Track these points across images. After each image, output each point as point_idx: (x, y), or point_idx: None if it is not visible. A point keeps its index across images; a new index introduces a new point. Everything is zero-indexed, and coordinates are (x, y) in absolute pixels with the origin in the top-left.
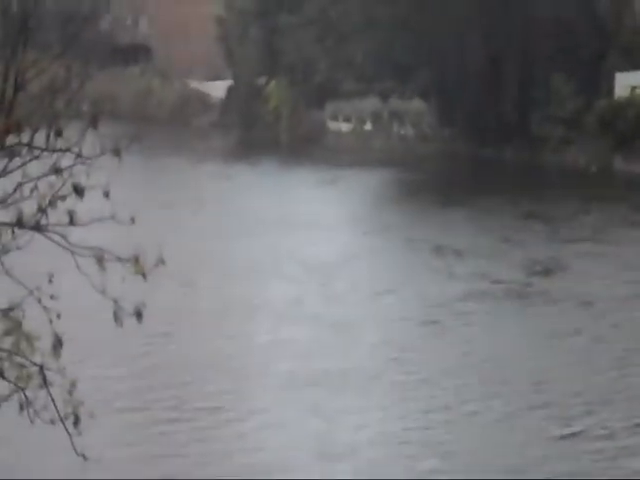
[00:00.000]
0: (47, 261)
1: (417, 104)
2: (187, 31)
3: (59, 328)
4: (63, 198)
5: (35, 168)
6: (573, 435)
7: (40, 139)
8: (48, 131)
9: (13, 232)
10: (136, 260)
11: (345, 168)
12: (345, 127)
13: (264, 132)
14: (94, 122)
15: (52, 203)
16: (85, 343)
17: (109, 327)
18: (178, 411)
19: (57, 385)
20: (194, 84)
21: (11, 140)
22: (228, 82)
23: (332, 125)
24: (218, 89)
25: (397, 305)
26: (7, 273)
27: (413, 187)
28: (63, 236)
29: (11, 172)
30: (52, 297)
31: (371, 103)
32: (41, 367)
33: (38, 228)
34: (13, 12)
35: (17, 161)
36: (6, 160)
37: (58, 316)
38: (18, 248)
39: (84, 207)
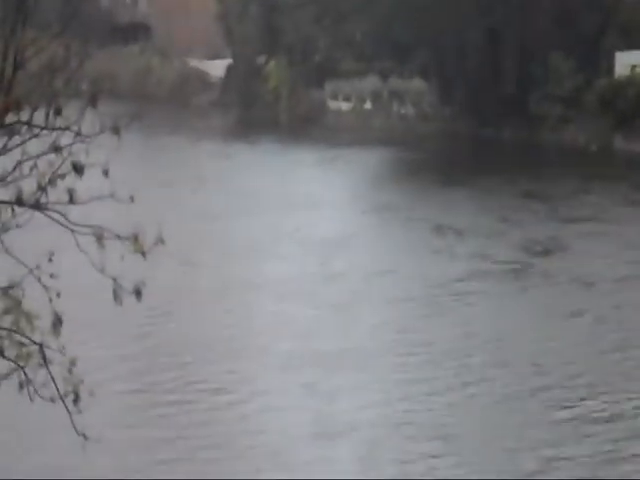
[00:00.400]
0: (47, 239)
1: (417, 83)
2: (187, 9)
3: (59, 307)
4: (62, 176)
5: (34, 146)
6: (573, 418)
7: (39, 117)
8: (47, 109)
9: (13, 210)
10: (135, 238)
11: (345, 147)
12: (345, 106)
13: (263, 111)
14: (93, 101)
15: (52, 181)
16: (85, 322)
17: (109, 305)
18: (179, 393)
19: (57, 363)
20: (193, 63)
21: (10, 118)
22: (228, 61)
23: (332, 104)
24: (217, 68)
25: (397, 285)
26: (7, 251)
27: (413, 166)
28: (63, 214)
29: (10, 150)
30: (52, 276)
31: (371, 82)
32: (41, 345)
33: (38, 206)
34: None
35: (16, 139)
36: (5, 138)
37: (58, 295)
38: (18, 226)
39: (84, 185)
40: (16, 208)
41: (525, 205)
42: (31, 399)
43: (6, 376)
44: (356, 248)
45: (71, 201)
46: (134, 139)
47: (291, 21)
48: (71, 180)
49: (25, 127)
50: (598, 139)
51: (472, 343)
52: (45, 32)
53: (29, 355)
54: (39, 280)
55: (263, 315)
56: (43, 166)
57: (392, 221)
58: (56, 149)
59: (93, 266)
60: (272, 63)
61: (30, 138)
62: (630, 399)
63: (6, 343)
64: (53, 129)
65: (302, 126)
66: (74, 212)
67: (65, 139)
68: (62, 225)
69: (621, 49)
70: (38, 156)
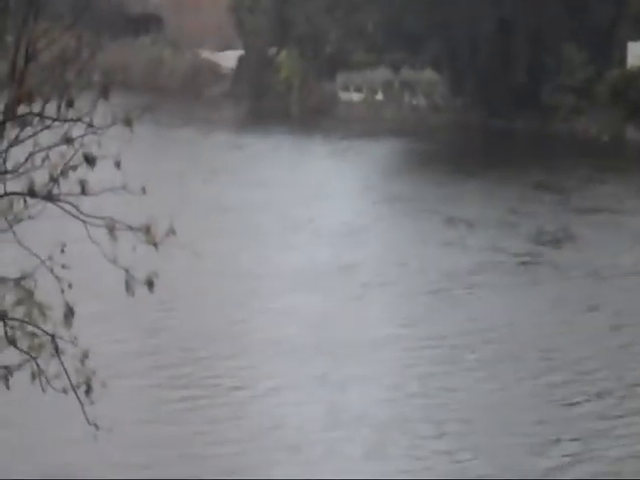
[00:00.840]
0: (59, 230)
1: (428, 74)
2: (198, 1)
3: (71, 298)
4: (74, 168)
5: (46, 138)
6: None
7: (51, 109)
8: (59, 101)
9: (25, 201)
10: (147, 230)
11: (356, 138)
12: (356, 97)
13: (275, 102)
14: (105, 92)
15: (64, 173)
16: (96, 314)
17: (121, 297)
18: (192, 388)
19: (69, 355)
20: (205, 54)
21: (22, 110)
22: (239, 52)
23: (343, 95)
24: (229, 59)
25: (409, 277)
26: (19, 242)
27: (424, 157)
28: (75, 206)
29: (23, 142)
30: (64, 267)
31: (382, 73)
32: (53, 336)
33: (50, 198)
34: None
35: (28, 131)
36: (18, 130)
37: (70, 286)
38: (30, 217)
39: (95, 177)
40: (28, 199)
41: (537, 196)
42: (43, 390)
43: (19, 367)
44: (368, 239)
45: (83, 192)
46: (146, 130)
47: (302, 12)
48: (83, 171)
49: (37, 119)
50: (610, 130)
51: (483, 336)
52: (57, 24)
53: (41, 346)
54: (51, 271)
55: (276, 307)
56: (55, 157)
57: (403, 212)
58: (68, 141)
59: (105, 257)
60: (283, 54)
61: (42, 129)
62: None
63: (18, 334)
64: (65, 120)
65: (313, 117)
66: (86, 204)
67: (77, 130)
68: (74, 216)
69: (634, 39)
70: (50, 147)
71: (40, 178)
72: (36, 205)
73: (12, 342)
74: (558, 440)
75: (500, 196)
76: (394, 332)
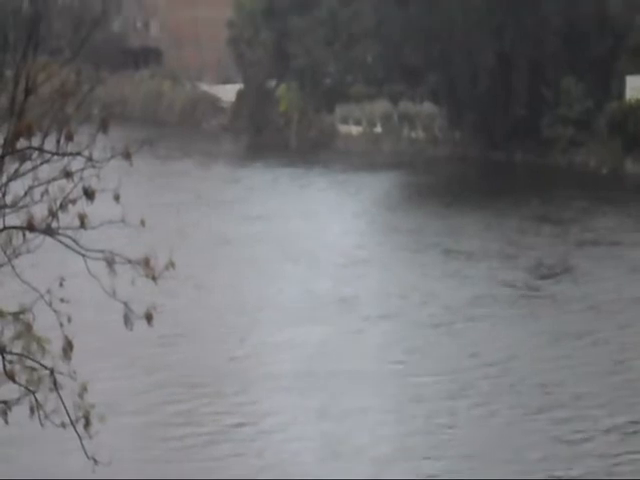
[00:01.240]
0: (58, 264)
1: (428, 107)
2: (198, 34)
3: (69, 332)
4: (74, 201)
5: (46, 172)
6: (584, 439)
7: (51, 143)
8: (59, 135)
9: (24, 235)
10: (146, 263)
11: (355, 171)
12: (355, 130)
13: (274, 135)
14: (104, 125)
15: (63, 206)
16: (95, 349)
17: (120, 331)
18: (193, 425)
19: (67, 388)
20: (204, 87)
21: (22, 144)
22: (238, 85)
23: (342, 128)
24: (228, 92)
25: (408, 309)
26: (18, 276)
27: (423, 190)
28: (74, 239)
29: (22, 175)
30: (62, 300)
31: (381, 106)
32: (51, 370)
33: (49, 232)
34: (24, 16)
35: (28, 165)
36: (17, 164)
37: (68, 319)
38: (29, 251)
39: (94, 210)
40: (27, 233)
41: (535, 228)
42: (42, 424)
43: (17, 401)
44: (368, 272)
45: (82, 226)
46: (144, 163)
47: (301, 45)
48: (82, 205)
49: (36, 152)
50: (609, 162)
51: (484, 370)
52: (57, 57)
53: (40, 380)
54: (50, 305)
55: (277, 340)
56: (54, 191)
57: (403, 245)
58: (67, 174)
59: (104, 291)
60: (282, 87)
61: (42, 163)
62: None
63: (17, 368)
64: (64, 154)
65: (312, 150)
66: (84, 236)
67: (76, 164)
68: (73, 250)
69: (632, 73)
70: (49, 181)
71: (39, 212)
72: (35, 239)
73: (11, 376)
74: (554, 463)
75: (499, 228)
76: (393, 362)
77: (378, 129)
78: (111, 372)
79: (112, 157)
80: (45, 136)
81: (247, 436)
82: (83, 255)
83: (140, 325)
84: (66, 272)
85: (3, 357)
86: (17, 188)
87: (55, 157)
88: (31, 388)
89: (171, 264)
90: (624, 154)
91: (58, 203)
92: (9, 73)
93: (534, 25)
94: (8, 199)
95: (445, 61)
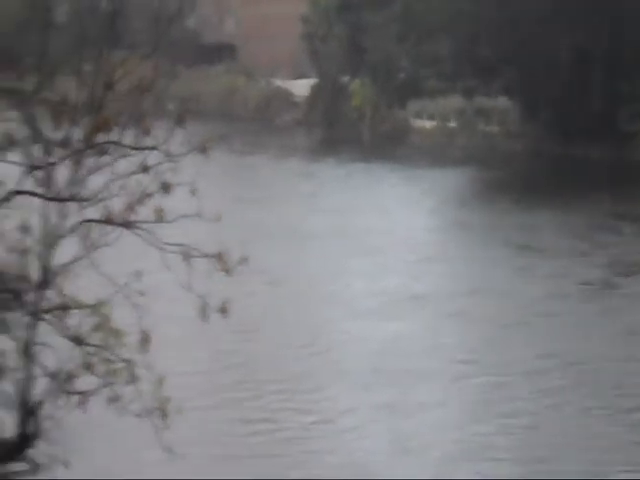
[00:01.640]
0: (135, 257)
1: (502, 101)
2: (272, 30)
3: (146, 324)
4: (151, 195)
5: (123, 166)
6: None
7: (128, 137)
8: (136, 129)
9: (104, 228)
10: (221, 257)
11: (428, 166)
12: (429, 125)
13: (347, 130)
14: (181, 120)
15: (140, 200)
16: (170, 341)
17: (196, 323)
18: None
19: (144, 380)
20: (278, 82)
21: (101, 138)
22: (312, 80)
23: (415, 123)
24: (302, 87)
25: (479, 305)
26: (96, 269)
27: (497, 185)
28: (151, 233)
29: (101, 169)
30: (140, 293)
31: (455, 101)
32: (129, 363)
33: (127, 225)
34: (102, 13)
35: (106, 159)
36: (96, 157)
37: (146, 312)
38: (107, 245)
39: (171, 204)
40: (106, 227)
41: (611, 225)
42: (119, 414)
43: (95, 392)
44: (437, 268)
45: (159, 220)
46: (220, 157)
47: (375, 40)
48: (159, 199)
49: (114, 147)
50: None
51: (553, 364)
52: (134, 53)
53: (117, 371)
54: (128, 298)
55: (350, 337)
56: (132, 185)
57: (475, 241)
58: (144, 168)
59: (180, 284)
60: (356, 82)
61: (119, 158)
62: None
63: (95, 360)
64: (142, 149)
65: (385, 145)
66: (161, 230)
67: (153, 158)
68: (151, 244)
69: None
70: (127, 175)
71: (117, 205)
72: (113, 232)
73: (88, 368)
74: (629, 467)
75: (573, 225)
76: (462, 361)
77: (452, 124)
78: (187, 366)
79: (189, 152)
80: (123, 131)
81: (322, 433)
82: (161, 249)
83: (213, 319)
84: (142, 265)
85: (81, 349)
86: (96, 182)
87: (133, 151)
88: (109, 379)
89: (244, 259)
90: None
91: (136, 197)
92: (88, 68)
93: (612, 15)
94: (87, 193)
95: (519, 55)
